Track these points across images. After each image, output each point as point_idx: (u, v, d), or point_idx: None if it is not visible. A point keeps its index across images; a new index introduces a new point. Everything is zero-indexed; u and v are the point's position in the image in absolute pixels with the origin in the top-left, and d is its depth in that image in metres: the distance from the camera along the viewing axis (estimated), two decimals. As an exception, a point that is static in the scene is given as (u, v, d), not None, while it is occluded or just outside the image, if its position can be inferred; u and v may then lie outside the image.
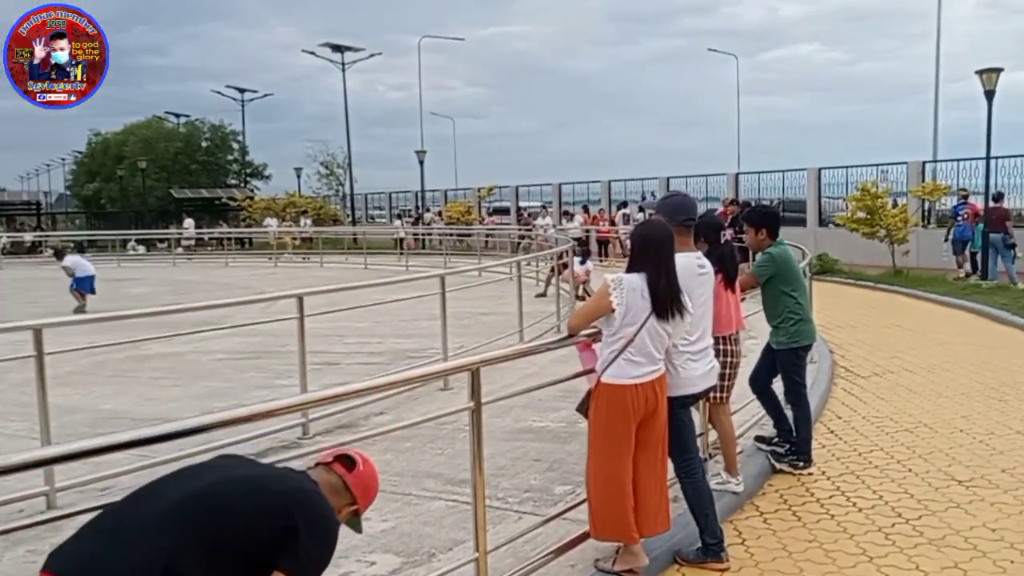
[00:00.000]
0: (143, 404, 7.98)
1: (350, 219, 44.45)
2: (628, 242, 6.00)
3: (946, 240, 18.72)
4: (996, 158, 18.59)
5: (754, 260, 6.34)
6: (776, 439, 6.02)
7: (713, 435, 5.62)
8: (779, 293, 5.77)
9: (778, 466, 5.83)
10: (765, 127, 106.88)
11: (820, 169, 25.31)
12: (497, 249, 27.39)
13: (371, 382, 3.86)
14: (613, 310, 3.91)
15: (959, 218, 18.26)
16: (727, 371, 5.23)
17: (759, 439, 6.12)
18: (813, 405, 6.51)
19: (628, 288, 3.92)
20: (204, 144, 56.79)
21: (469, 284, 12.62)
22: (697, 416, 5.24)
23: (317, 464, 2.78)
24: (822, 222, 24.79)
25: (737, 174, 29.08)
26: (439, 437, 6.36)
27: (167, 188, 49.40)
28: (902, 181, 22.98)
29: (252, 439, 5.98)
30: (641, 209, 24.17)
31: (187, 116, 58.27)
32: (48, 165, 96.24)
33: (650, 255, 3.99)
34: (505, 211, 36.93)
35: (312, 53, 44.57)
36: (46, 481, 4.97)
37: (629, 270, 4.03)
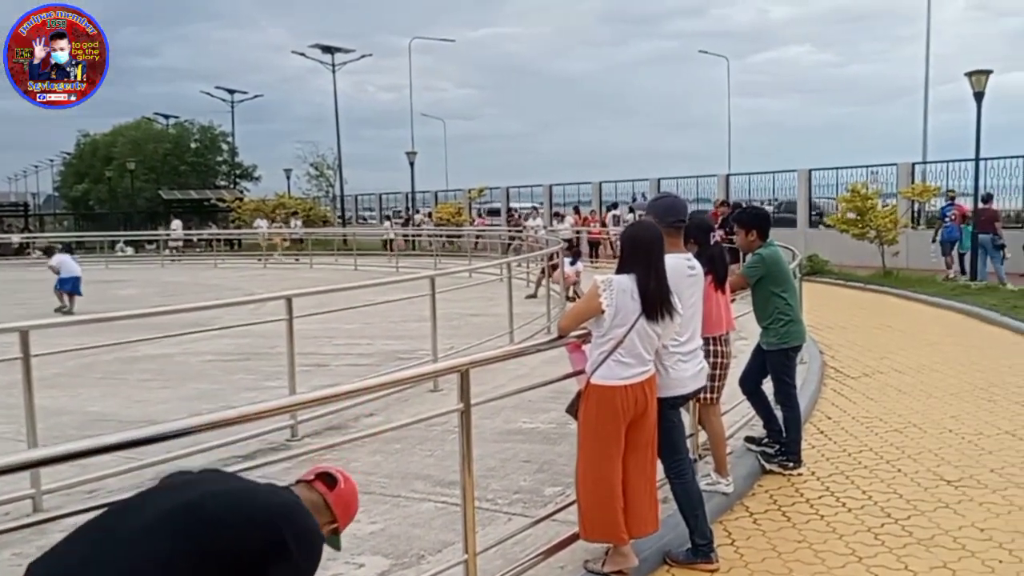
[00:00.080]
0: (131, 406, 7.93)
1: (340, 220, 44.38)
2: (618, 243, 6.00)
3: (933, 241, 18.80)
4: (985, 159, 18.70)
5: (744, 261, 6.34)
6: (766, 440, 6.02)
7: (703, 436, 5.62)
8: (769, 294, 5.78)
9: (768, 467, 5.83)
10: (756, 128, 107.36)
11: (810, 170, 25.40)
12: (488, 250, 27.38)
13: (360, 384, 3.83)
14: (603, 311, 3.91)
15: (947, 219, 18.35)
16: (717, 372, 5.23)
17: (749, 440, 6.13)
18: (803, 406, 6.51)
19: (618, 289, 3.92)
20: (193, 145, 56.62)
21: (459, 285, 12.60)
22: (687, 417, 5.23)
23: (298, 482, 2.78)
24: (812, 223, 24.86)
25: (728, 175, 29.16)
26: (429, 439, 6.34)
27: (156, 189, 49.24)
28: (892, 182, 23.07)
29: (241, 441, 5.97)
30: (631, 210, 24.21)
31: (176, 117, 58.25)
32: (36, 166, 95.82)
33: (640, 256, 3.99)
34: (499, 212, 36.92)
35: (302, 54, 44.62)
36: (32, 484, 4.94)
37: (619, 271, 4.03)
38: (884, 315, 13.80)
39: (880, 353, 10.22)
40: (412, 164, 37.93)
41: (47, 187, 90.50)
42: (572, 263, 15.68)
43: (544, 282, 14.67)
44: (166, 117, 58.64)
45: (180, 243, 34.87)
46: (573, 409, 4.17)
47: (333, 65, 43.96)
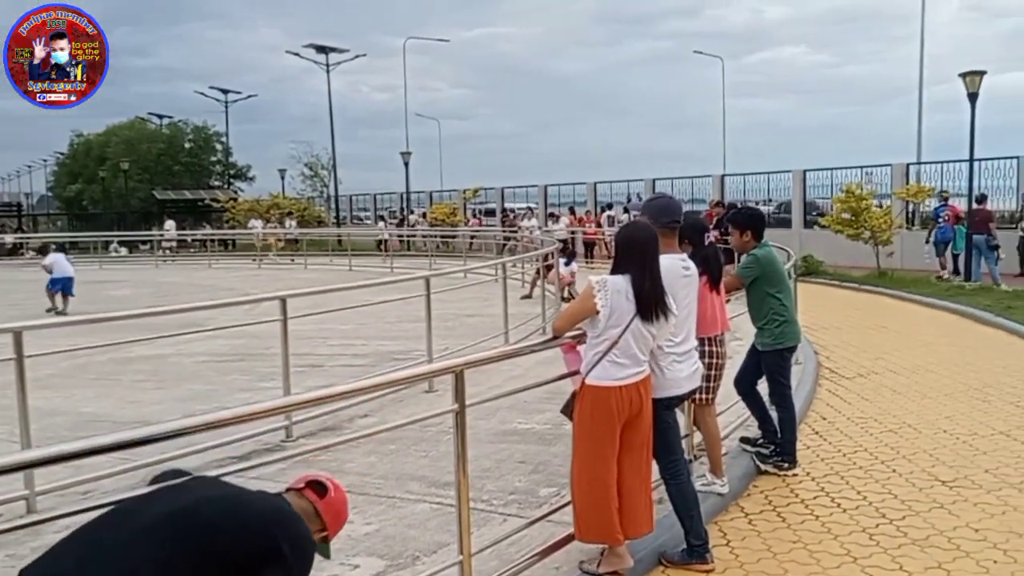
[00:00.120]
0: (125, 407, 7.91)
1: (335, 220, 44.33)
2: (612, 244, 6.00)
3: (927, 242, 18.86)
4: (979, 160, 18.72)
5: (739, 261, 6.34)
6: (761, 440, 6.03)
7: (698, 436, 5.62)
8: (764, 294, 5.78)
9: (763, 467, 5.84)
10: (751, 129, 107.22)
11: (805, 171, 25.43)
12: (483, 251, 27.38)
13: (355, 384, 3.82)
14: (598, 312, 3.91)
15: (940, 220, 18.40)
16: (712, 372, 5.23)
17: (744, 440, 6.13)
18: (798, 406, 6.53)
19: (612, 290, 3.92)
20: (187, 145, 56.56)
21: (454, 286, 12.60)
22: (682, 418, 5.23)
23: (289, 490, 2.78)
24: (808, 223, 24.89)
25: (723, 176, 29.19)
26: (424, 439, 6.34)
27: (150, 189, 49.16)
28: (886, 183, 23.11)
29: (235, 442, 5.96)
30: (626, 211, 24.22)
31: (170, 117, 58.14)
32: (30, 166, 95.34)
33: (634, 257, 3.99)
34: (495, 212, 36.85)
35: (296, 54, 44.46)
36: (26, 485, 4.93)
37: (614, 272, 4.03)
38: (879, 316, 13.82)
39: (875, 354, 10.23)
40: (407, 164, 37.91)
41: (40, 187, 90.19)
42: (567, 264, 15.69)
43: (539, 283, 14.68)
44: (160, 117, 58.56)
45: (173, 244, 34.80)
46: (568, 410, 4.17)
47: (327, 65, 43.88)
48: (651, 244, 4.03)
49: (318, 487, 2.80)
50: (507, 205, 36.61)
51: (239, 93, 53.67)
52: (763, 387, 6.05)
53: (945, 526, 4.85)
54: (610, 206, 28.87)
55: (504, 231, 27.66)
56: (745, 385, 6.07)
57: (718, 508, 5.15)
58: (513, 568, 3.94)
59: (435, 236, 30.24)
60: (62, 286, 15.86)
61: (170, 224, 36.03)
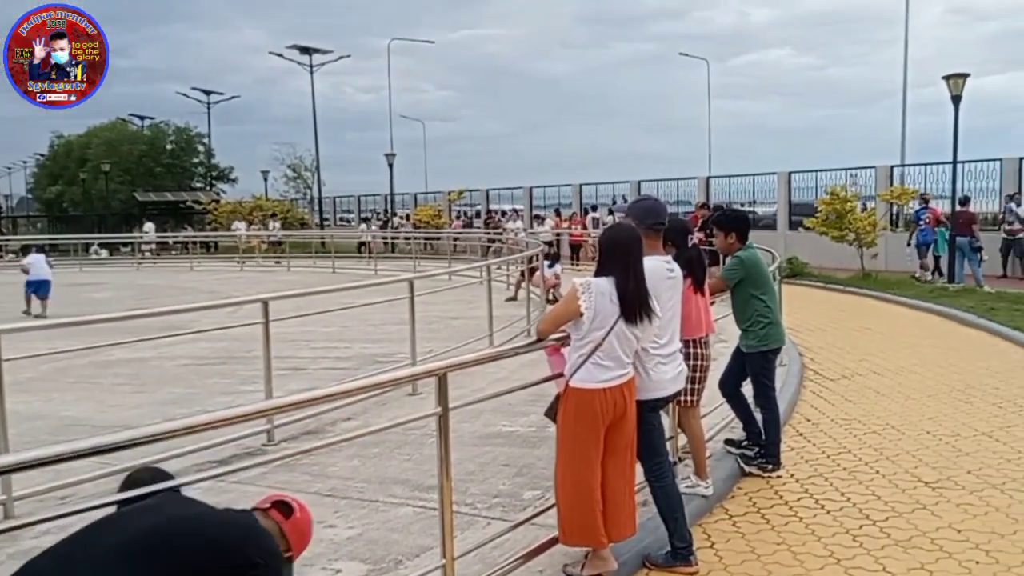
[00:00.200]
0: (105, 411, 7.84)
1: (318, 223, 44.19)
2: (597, 246, 5.98)
3: (908, 245, 19.00)
4: (963, 162, 18.87)
5: (724, 263, 6.34)
6: (745, 442, 6.02)
7: (683, 438, 5.61)
8: (748, 296, 5.79)
9: (747, 469, 5.83)
10: (736, 131, 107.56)
11: (790, 173, 25.53)
12: (467, 253, 27.35)
13: (337, 387, 3.79)
14: (582, 314, 3.89)
15: (921, 222, 18.52)
16: (697, 375, 5.23)
17: (728, 442, 6.12)
18: (782, 408, 6.53)
19: (596, 292, 3.90)
20: (169, 147, 56.26)
21: (439, 288, 12.57)
22: (667, 420, 5.23)
23: (254, 509, 2.75)
24: (793, 225, 24.97)
25: (708, 178, 29.30)
26: (407, 443, 6.30)
27: (131, 191, 48.88)
28: (871, 185, 23.25)
29: (216, 446, 5.90)
30: (611, 213, 24.23)
31: (151, 118, 57.78)
32: (9, 168, 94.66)
33: (618, 259, 3.97)
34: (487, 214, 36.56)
35: (279, 55, 44.24)
36: (3, 490, 4.88)
37: (597, 274, 4.01)
38: (863, 317, 13.88)
39: (859, 355, 10.27)
40: (391, 166, 37.86)
41: (20, 189, 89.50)
42: (550, 266, 15.67)
43: (524, 284, 14.66)
44: (141, 118, 58.19)
45: (153, 246, 34.59)
46: (552, 412, 4.14)
47: (311, 66, 43.70)
48: (635, 246, 4.02)
49: (284, 508, 2.79)
50: (493, 207, 36.50)
51: (221, 94, 53.54)
52: (747, 389, 6.05)
53: (928, 527, 4.86)
54: (595, 208, 28.87)
55: (487, 233, 27.57)
56: (729, 387, 6.07)
57: (702, 510, 5.15)
58: (497, 571, 3.91)
59: (418, 238, 30.16)
60: (35, 288, 15.73)
61: (149, 226, 35.83)
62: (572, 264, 23.14)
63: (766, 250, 7.70)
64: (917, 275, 18.17)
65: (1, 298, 17.27)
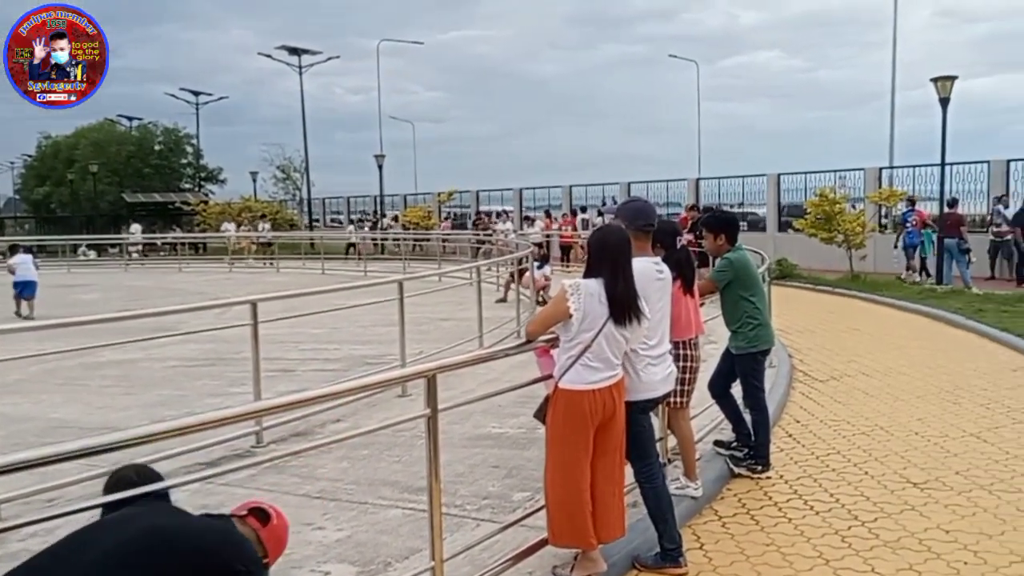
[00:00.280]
0: (93, 413, 7.80)
1: (307, 224, 44.07)
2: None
3: (896, 247, 19.09)
4: (951, 164, 18.95)
5: (713, 265, 6.35)
6: (735, 443, 6.03)
7: (672, 440, 5.61)
8: (738, 298, 5.79)
9: (736, 470, 5.84)
10: (726, 133, 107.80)
11: (779, 175, 25.60)
12: (457, 254, 27.32)
13: (326, 389, 3.78)
14: (571, 316, 3.88)
15: (908, 224, 18.61)
16: (687, 376, 5.23)
17: (718, 443, 6.13)
18: (771, 409, 6.54)
19: (585, 293, 3.90)
20: (157, 147, 56.01)
21: (429, 289, 12.56)
22: (656, 421, 5.23)
23: (231, 516, 2.75)
24: (782, 226, 25.03)
25: (698, 179, 29.30)
26: (397, 444, 6.29)
27: (119, 192, 48.66)
28: (860, 187, 23.32)
29: (204, 448, 5.86)
30: (600, 214, 24.23)
31: (140, 119, 57.54)
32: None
33: (607, 260, 3.97)
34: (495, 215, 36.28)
35: (268, 56, 44.15)
36: (-10, 493, 4.82)
37: (587, 275, 4.01)
38: (852, 318, 13.93)
39: (848, 356, 10.30)
40: (380, 167, 37.77)
41: (7, 190, 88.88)
42: (539, 267, 15.67)
43: (513, 286, 14.66)
44: (129, 119, 57.93)
45: (139, 247, 34.44)
46: (541, 414, 4.14)
47: (300, 67, 43.63)
48: (624, 247, 4.02)
49: (260, 514, 2.79)
50: (483, 208, 36.43)
51: (210, 95, 53.33)
52: (737, 390, 6.06)
53: (916, 527, 4.87)
54: (584, 209, 28.88)
55: (477, 234, 27.53)
56: (719, 388, 6.08)
57: (692, 511, 5.15)
58: (486, 573, 3.91)
59: (407, 239, 30.10)
60: (20, 290, 15.65)
61: (136, 227, 35.67)
62: (563, 265, 23.15)
63: (755, 251, 7.72)
64: (903, 276, 18.27)
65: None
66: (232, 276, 25.34)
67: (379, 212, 38.80)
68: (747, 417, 5.97)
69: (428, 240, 29.94)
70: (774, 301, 8.82)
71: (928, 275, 18.16)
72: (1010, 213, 18.46)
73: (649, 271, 4.30)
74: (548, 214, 30.13)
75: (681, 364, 5.06)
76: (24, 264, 15.87)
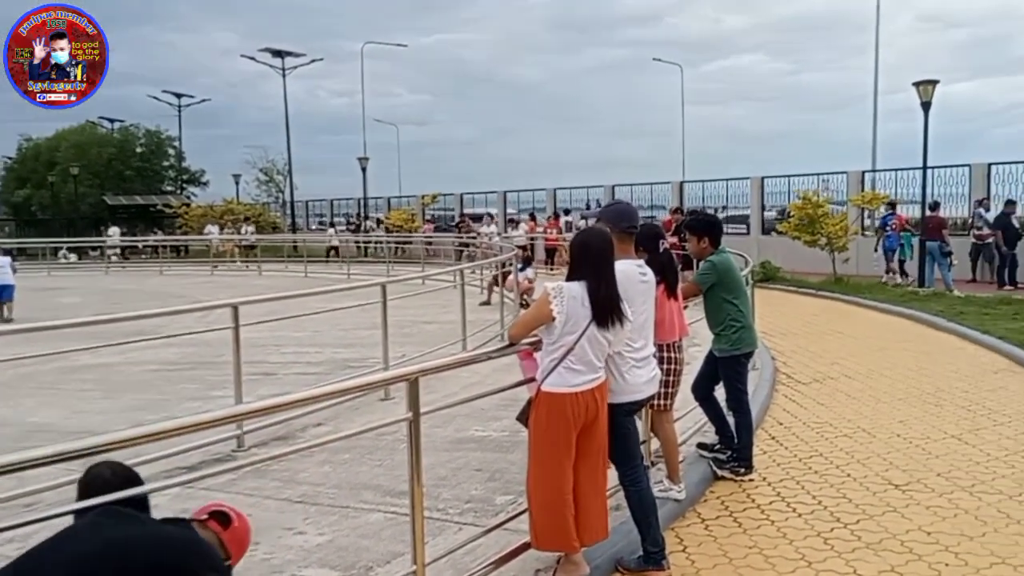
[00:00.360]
0: (71, 417, 7.72)
1: (291, 227, 43.90)
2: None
3: (876, 251, 19.21)
4: (932, 168, 19.08)
5: (697, 268, 6.36)
6: (718, 446, 6.03)
7: (656, 442, 5.61)
8: (721, 301, 5.80)
9: (720, 473, 5.84)
10: (710, 136, 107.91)
11: (763, 178, 25.70)
12: (441, 257, 27.27)
13: (307, 393, 3.75)
14: (554, 319, 3.87)
15: (888, 228, 18.73)
16: (671, 378, 5.22)
17: (701, 446, 6.13)
18: (755, 411, 6.55)
19: (568, 296, 3.88)
20: (139, 150, 55.63)
21: (412, 292, 12.52)
22: (640, 423, 5.22)
23: (192, 520, 2.73)
24: (765, 229, 25.14)
25: (682, 182, 29.35)
26: (379, 448, 6.25)
27: (100, 195, 48.34)
28: (843, 190, 23.46)
29: (185, 452, 5.82)
30: (583, 217, 24.25)
31: (121, 121, 57.10)
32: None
33: (590, 263, 3.96)
34: (478, 218, 36.04)
35: (252, 58, 44.09)
36: (-36, 498, 4.75)
37: (569, 278, 4.00)
38: (835, 321, 13.99)
39: (831, 359, 10.34)
40: (364, 170, 37.69)
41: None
42: (521, 269, 15.65)
43: (497, 289, 14.64)
44: (111, 121, 57.43)
45: (118, 250, 34.18)
46: (524, 417, 4.12)
47: (283, 69, 43.58)
48: (606, 250, 4.01)
49: (221, 518, 2.77)
50: (467, 211, 36.34)
51: (192, 97, 53.13)
52: (720, 393, 6.06)
53: (898, 529, 4.89)
54: (567, 211, 28.88)
55: (460, 237, 27.46)
56: (702, 391, 6.08)
57: (675, 514, 5.15)
58: (468, 578, 3.88)
59: (390, 242, 30.00)
60: None
61: (114, 230, 35.39)
62: (547, 268, 23.15)
63: (738, 254, 7.73)
64: (885, 280, 18.38)
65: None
66: (213, 279, 25.20)
67: (363, 215, 38.68)
68: (730, 419, 5.98)
69: (410, 243, 29.85)
70: (757, 304, 8.85)
71: (906, 275, 18.29)
72: (991, 216, 18.59)
73: (632, 273, 4.30)
74: (533, 217, 30.10)
75: (665, 367, 5.05)
76: (1, 268, 15.72)
